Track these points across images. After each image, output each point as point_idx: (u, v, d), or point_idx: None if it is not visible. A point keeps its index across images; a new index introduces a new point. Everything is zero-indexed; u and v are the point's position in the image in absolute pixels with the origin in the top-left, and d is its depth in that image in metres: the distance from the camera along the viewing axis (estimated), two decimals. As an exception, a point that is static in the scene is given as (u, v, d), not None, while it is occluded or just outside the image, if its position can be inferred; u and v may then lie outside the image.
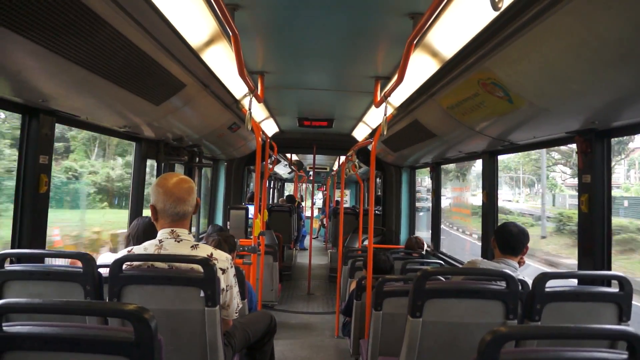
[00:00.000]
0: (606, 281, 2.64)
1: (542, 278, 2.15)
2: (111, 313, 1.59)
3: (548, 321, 2.15)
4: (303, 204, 14.63)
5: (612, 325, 2.16)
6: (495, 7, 1.79)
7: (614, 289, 2.26)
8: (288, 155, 10.12)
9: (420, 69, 2.95)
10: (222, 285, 2.16)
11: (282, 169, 12.45)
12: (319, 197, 18.20)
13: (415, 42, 2.22)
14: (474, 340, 1.30)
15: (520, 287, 2.26)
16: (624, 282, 2.21)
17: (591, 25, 1.72)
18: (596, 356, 1.29)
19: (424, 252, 5.30)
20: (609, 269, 2.75)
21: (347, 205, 16.70)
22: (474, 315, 2.14)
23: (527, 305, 2.19)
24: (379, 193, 9.07)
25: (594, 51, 1.84)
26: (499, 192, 4.46)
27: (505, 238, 2.74)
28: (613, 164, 2.81)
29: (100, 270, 2.24)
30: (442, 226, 6.51)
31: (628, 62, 1.81)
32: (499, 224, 2.84)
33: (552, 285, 2.22)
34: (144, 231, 2.77)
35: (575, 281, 2.86)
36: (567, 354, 1.29)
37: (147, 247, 2.16)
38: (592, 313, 2.20)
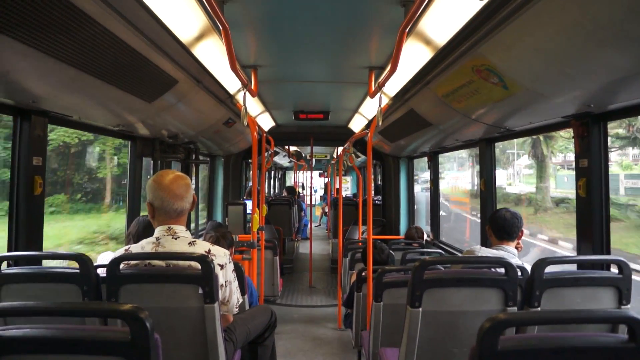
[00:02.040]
0: (605, 265, 2.63)
1: (541, 264, 2.13)
2: (106, 313, 1.58)
3: (548, 307, 2.14)
4: (304, 192, 14.59)
5: (612, 308, 2.16)
6: None
7: (614, 272, 2.26)
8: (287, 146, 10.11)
9: (414, 57, 2.93)
10: (221, 280, 2.16)
11: (282, 159, 12.43)
12: (320, 186, 18.18)
13: (407, 30, 2.19)
14: (474, 328, 1.29)
15: (519, 274, 2.26)
16: (623, 266, 2.20)
17: (584, 7, 1.70)
18: (596, 340, 1.29)
19: (424, 242, 5.30)
20: (608, 253, 2.75)
21: (348, 192, 16.69)
22: (474, 304, 2.13)
23: (526, 291, 2.19)
24: (380, 182, 9.07)
25: (587, 33, 1.82)
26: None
27: (499, 224, 2.73)
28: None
29: (100, 270, 2.23)
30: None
31: (622, 43, 1.80)
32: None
33: (551, 270, 2.21)
34: (144, 229, 2.76)
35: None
36: (567, 339, 1.28)
37: (145, 245, 2.15)
38: (592, 297, 2.19)
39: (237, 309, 2.37)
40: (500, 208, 2.86)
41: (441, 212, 6.37)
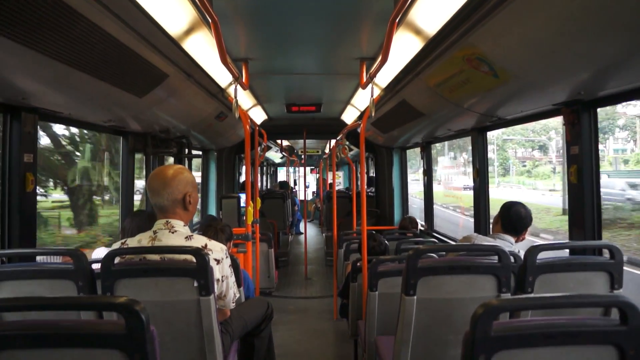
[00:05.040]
0: (597, 251, 2.66)
1: (534, 250, 2.16)
2: (102, 306, 1.58)
3: (541, 292, 2.17)
4: (296, 188, 14.62)
5: (604, 293, 2.19)
6: None
7: (605, 257, 2.29)
8: (279, 140, 10.09)
9: (404, 47, 2.93)
10: (218, 275, 2.16)
11: (274, 155, 12.40)
12: (313, 181, 18.21)
13: (397, 20, 2.19)
14: (468, 315, 1.31)
15: (513, 261, 2.28)
16: (614, 251, 2.23)
17: (572, -5, 1.71)
18: (588, 324, 1.31)
19: (418, 232, 5.32)
20: (600, 238, 2.78)
21: (340, 187, 16.73)
22: (468, 291, 2.15)
23: (519, 277, 2.21)
24: (372, 174, 9.09)
25: (576, 21, 1.83)
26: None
27: (511, 219, 2.72)
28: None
29: (94, 265, 2.23)
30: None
31: (611, 32, 1.81)
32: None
33: (544, 257, 2.24)
34: (138, 225, 2.76)
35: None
36: (560, 322, 1.30)
37: (142, 238, 2.14)
38: (584, 282, 2.22)
39: (234, 304, 2.38)
40: (515, 202, 2.83)
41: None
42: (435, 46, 2.80)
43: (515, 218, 2.72)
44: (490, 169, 4.71)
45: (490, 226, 2.97)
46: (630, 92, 2.43)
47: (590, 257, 2.42)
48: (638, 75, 2.20)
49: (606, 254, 2.29)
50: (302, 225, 11.55)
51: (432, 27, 2.53)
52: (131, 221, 2.82)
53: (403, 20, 2.54)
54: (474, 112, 3.57)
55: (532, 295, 2.14)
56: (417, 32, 2.67)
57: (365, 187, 9.49)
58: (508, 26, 2.15)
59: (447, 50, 2.76)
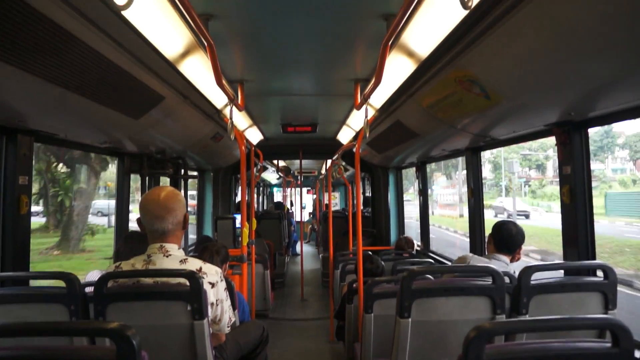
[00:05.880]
0: (591, 271, 2.67)
1: (527, 271, 2.16)
2: (92, 332, 1.56)
3: (536, 314, 2.17)
4: (293, 209, 14.60)
5: (597, 314, 2.18)
6: (465, 6, 1.81)
7: (599, 278, 2.29)
8: (275, 161, 10.11)
9: (398, 69, 2.97)
10: (212, 299, 2.14)
11: (270, 175, 12.40)
12: (309, 202, 18.21)
13: (390, 43, 2.22)
14: (462, 338, 1.30)
15: (508, 281, 2.28)
16: (608, 271, 2.23)
17: (561, 19, 1.75)
18: (581, 346, 1.30)
19: (414, 252, 5.31)
20: (594, 258, 2.78)
21: (337, 207, 16.70)
22: (462, 313, 2.15)
23: (514, 298, 2.21)
24: (368, 194, 9.09)
25: (566, 44, 1.87)
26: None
27: (503, 237, 2.74)
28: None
29: (87, 289, 2.21)
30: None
31: (599, 53, 1.84)
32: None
33: (539, 277, 2.24)
34: (132, 247, 2.74)
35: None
36: (552, 345, 1.30)
37: (135, 262, 2.12)
38: (578, 303, 2.22)
39: (229, 328, 2.35)
40: (506, 220, 2.87)
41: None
42: (427, 68, 2.84)
43: (506, 236, 2.73)
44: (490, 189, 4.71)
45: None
46: (619, 112, 2.47)
47: (584, 278, 2.42)
48: (626, 96, 2.24)
49: (600, 274, 2.30)
50: (298, 246, 11.50)
51: (424, 50, 2.57)
52: (125, 244, 2.81)
53: (396, 43, 2.58)
54: (468, 133, 3.60)
55: (523, 318, 2.13)
56: (410, 54, 2.70)
57: (362, 207, 9.52)
58: (498, 49, 2.19)
59: (439, 72, 2.80)
